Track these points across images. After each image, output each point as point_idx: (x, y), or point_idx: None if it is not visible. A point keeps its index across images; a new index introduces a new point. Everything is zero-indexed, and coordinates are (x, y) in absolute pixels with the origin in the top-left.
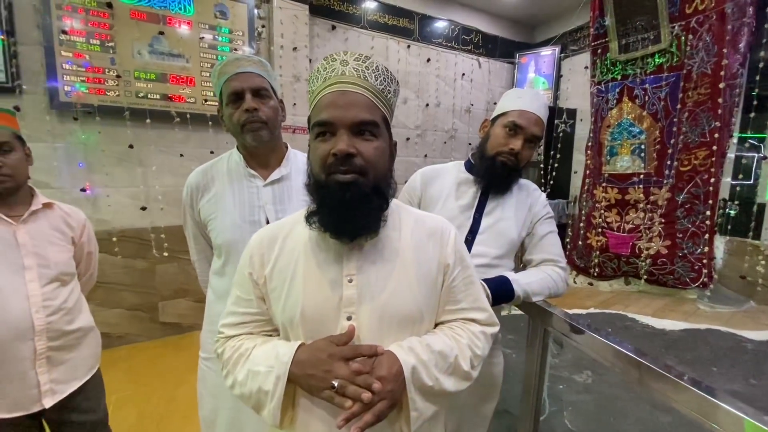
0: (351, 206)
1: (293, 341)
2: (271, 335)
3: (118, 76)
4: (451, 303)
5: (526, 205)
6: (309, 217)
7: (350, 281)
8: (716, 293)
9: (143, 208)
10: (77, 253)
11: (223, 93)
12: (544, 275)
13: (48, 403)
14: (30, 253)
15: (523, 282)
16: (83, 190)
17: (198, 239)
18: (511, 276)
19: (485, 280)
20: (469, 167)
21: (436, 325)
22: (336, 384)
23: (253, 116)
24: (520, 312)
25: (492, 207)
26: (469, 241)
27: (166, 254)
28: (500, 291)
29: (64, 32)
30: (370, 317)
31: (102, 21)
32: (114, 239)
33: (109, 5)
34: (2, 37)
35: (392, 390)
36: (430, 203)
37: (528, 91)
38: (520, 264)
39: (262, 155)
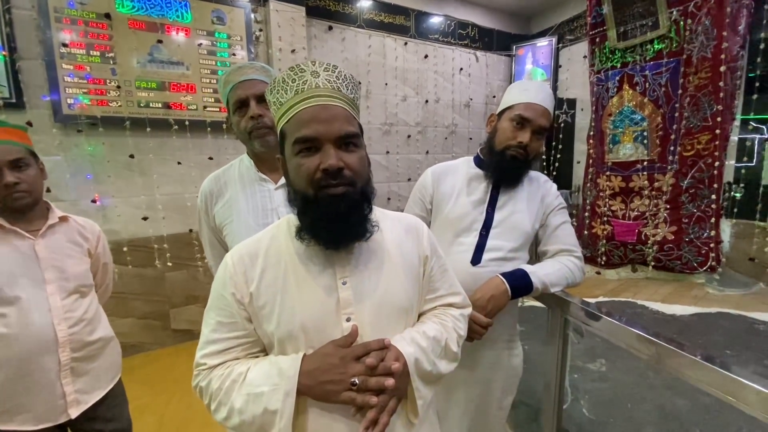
0: (346, 217)
1: (292, 354)
2: (257, 356)
3: (118, 87)
4: (431, 291)
5: (538, 196)
6: (299, 233)
7: (344, 284)
8: (725, 276)
9: (145, 218)
10: (93, 265)
11: (229, 101)
12: (561, 266)
13: (74, 413)
14: (49, 266)
15: (541, 274)
16: (93, 201)
17: (214, 244)
18: (529, 268)
19: (503, 274)
20: (479, 162)
21: (420, 315)
22: (357, 381)
23: (258, 123)
24: (530, 303)
25: (504, 201)
26: (484, 236)
27: (169, 264)
28: (519, 284)
29: (65, 45)
30: (368, 315)
31: (101, 32)
32: (124, 249)
33: (108, 16)
34: (4, 53)
35: (399, 385)
36: (442, 200)
37: (533, 82)
38: (535, 256)
39: (271, 159)
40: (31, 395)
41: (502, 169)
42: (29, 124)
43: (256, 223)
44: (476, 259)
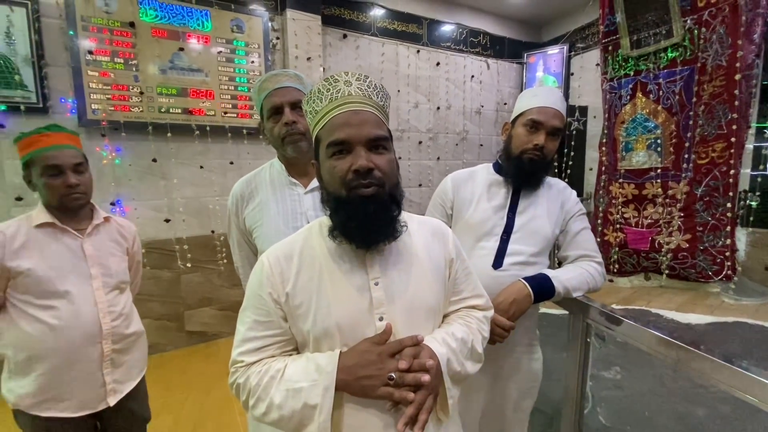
0: (375, 217)
1: (328, 351)
2: (291, 354)
3: (141, 93)
4: (456, 294)
5: (558, 202)
6: (332, 232)
7: (376, 284)
8: (741, 285)
9: (167, 221)
10: (129, 262)
11: (264, 108)
12: (582, 271)
13: (112, 401)
14: (95, 263)
15: (563, 278)
16: (112, 204)
17: (242, 246)
18: (551, 273)
19: (526, 278)
20: (498, 169)
21: (444, 316)
22: (395, 376)
23: (292, 129)
24: (544, 310)
25: (524, 206)
26: (505, 240)
27: (189, 265)
28: (541, 288)
29: (90, 52)
30: (400, 315)
31: (125, 40)
32: (143, 251)
33: (132, 25)
34: (32, 59)
35: (434, 384)
36: (462, 206)
37: (542, 88)
38: (555, 261)
39: (302, 164)
40: (75, 383)
41: (522, 172)
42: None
43: (285, 226)
44: (498, 263)
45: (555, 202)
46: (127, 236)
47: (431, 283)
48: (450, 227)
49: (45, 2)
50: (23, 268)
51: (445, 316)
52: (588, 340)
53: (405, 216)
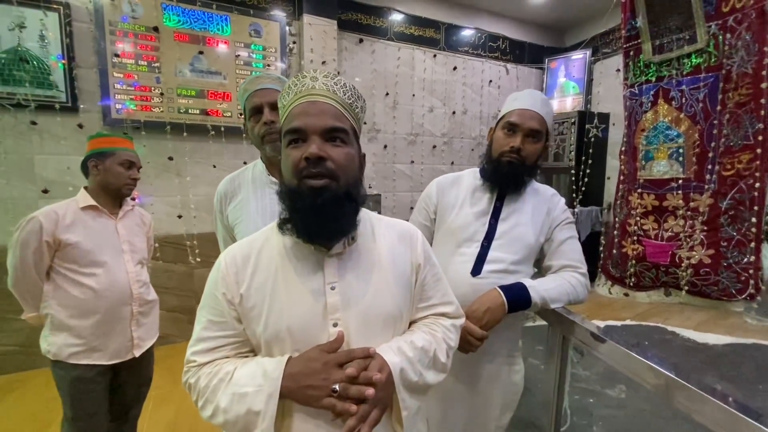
0: (323, 210)
1: (278, 356)
2: (246, 356)
3: (162, 94)
4: (424, 300)
5: (544, 209)
6: (282, 224)
7: (332, 288)
8: (764, 306)
9: (179, 216)
10: (147, 243)
11: (246, 108)
12: (562, 281)
13: (137, 353)
14: (125, 241)
15: (540, 289)
16: (132, 198)
17: (227, 242)
18: (529, 282)
19: (501, 287)
20: (483, 173)
21: (411, 323)
22: (338, 388)
23: (271, 128)
24: (542, 323)
25: (508, 213)
26: (485, 247)
27: (198, 260)
28: (517, 298)
29: (117, 55)
30: (355, 321)
31: (149, 44)
32: (156, 245)
33: (156, 29)
34: (64, 61)
35: (383, 396)
36: (445, 211)
37: (524, 91)
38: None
39: None
40: (110, 336)
41: (501, 175)
42: (80, 126)
43: (264, 223)
44: (476, 270)
45: (541, 210)
46: (146, 222)
47: (393, 289)
48: (433, 231)
49: (76, 7)
50: (72, 241)
51: (412, 323)
52: (567, 351)
53: (373, 218)
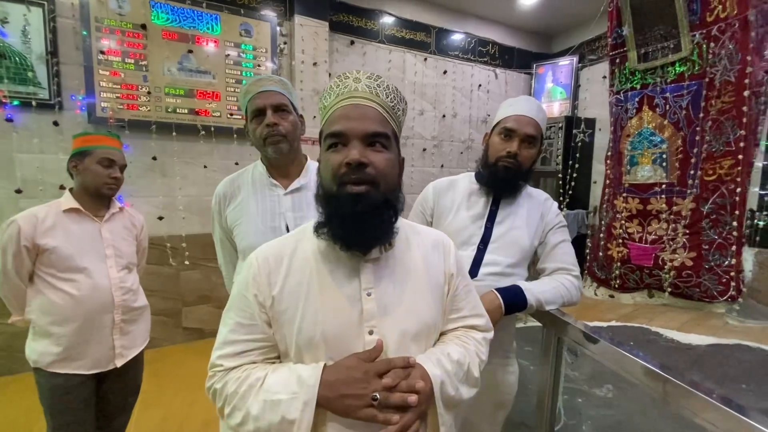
0: (362, 218)
1: (310, 363)
2: (273, 362)
3: (149, 93)
4: (454, 311)
5: (538, 213)
6: (318, 228)
7: (369, 294)
8: (745, 307)
9: (160, 218)
10: (137, 247)
11: (248, 110)
12: (557, 284)
13: (119, 363)
14: (110, 245)
15: (536, 291)
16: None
17: (224, 244)
18: (524, 285)
19: (498, 289)
20: (479, 177)
21: (440, 334)
22: (379, 396)
23: (273, 130)
24: (538, 324)
25: (503, 216)
26: (481, 250)
27: (186, 263)
28: (513, 300)
29: (102, 52)
30: (391, 330)
31: (137, 41)
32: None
33: (144, 27)
34: (47, 57)
35: (423, 409)
36: (441, 214)
37: (520, 97)
38: (536, 273)
39: (283, 166)
40: (90, 345)
41: (497, 180)
42: (55, 123)
43: (264, 225)
44: (473, 273)
45: (535, 213)
46: (136, 224)
47: (428, 298)
48: None
49: (61, 2)
50: (50, 245)
51: (441, 334)
52: (562, 352)
53: (405, 225)
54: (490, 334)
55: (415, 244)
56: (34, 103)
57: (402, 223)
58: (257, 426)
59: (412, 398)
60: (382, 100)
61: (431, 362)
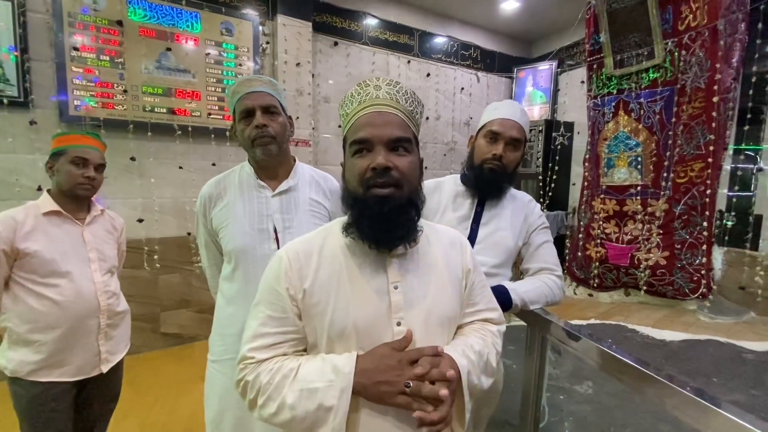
0: (389, 218)
1: (343, 353)
2: (302, 354)
3: (125, 91)
4: (471, 305)
5: (522, 215)
6: (347, 228)
7: (396, 288)
8: (716, 304)
9: (140, 220)
10: (118, 250)
11: (236, 111)
12: (540, 284)
13: (105, 368)
14: (93, 248)
15: (520, 291)
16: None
17: (209, 247)
18: (509, 285)
19: None
20: (465, 179)
21: (458, 327)
22: (411, 383)
23: (262, 132)
24: (521, 323)
25: (488, 218)
26: None
27: (158, 265)
28: (499, 300)
29: (76, 49)
30: (418, 321)
31: (112, 38)
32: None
33: (120, 23)
34: (16, 53)
35: (454, 397)
36: (428, 215)
37: (504, 102)
38: (519, 273)
39: (271, 168)
40: (75, 351)
41: (482, 182)
42: (32, 123)
43: (251, 227)
44: None
45: (519, 215)
46: (117, 227)
47: (449, 291)
48: None
49: None
50: (31, 250)
51: (459, 327)
52: (546, 350)
53: (423, 223)
54: (504, 327)
55: (435, 241)
56: (5, 101)
57: (422, 222)
58: (293, 414)
59: (444, 392)
60: (402, 106)
61: (457, 352)
